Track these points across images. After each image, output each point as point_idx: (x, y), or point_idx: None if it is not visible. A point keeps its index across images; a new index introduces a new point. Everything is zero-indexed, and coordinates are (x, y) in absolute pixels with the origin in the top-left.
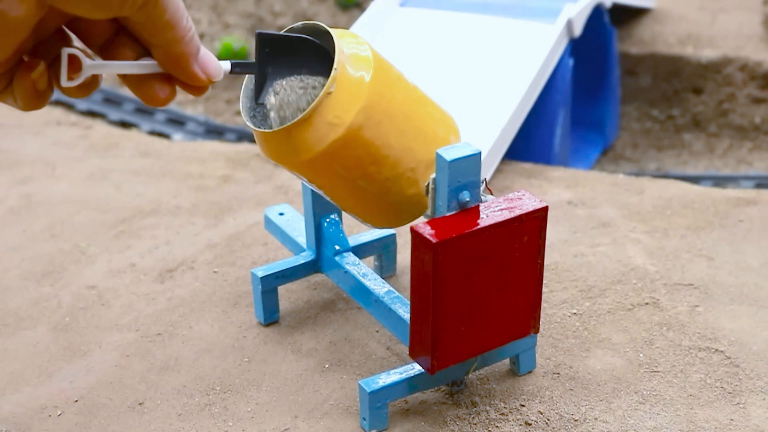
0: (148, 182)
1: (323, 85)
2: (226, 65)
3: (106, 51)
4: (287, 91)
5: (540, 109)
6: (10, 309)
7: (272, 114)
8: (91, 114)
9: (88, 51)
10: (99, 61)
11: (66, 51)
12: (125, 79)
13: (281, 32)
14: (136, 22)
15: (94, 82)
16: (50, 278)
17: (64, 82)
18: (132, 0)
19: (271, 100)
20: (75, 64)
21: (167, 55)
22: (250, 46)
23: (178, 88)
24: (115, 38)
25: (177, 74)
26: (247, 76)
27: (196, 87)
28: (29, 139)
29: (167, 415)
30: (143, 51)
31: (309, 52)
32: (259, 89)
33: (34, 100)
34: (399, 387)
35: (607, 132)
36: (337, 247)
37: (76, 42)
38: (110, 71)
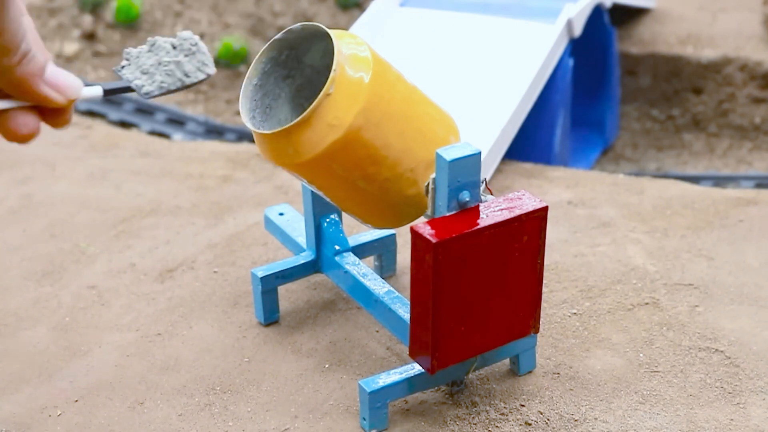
0: (148, 182)
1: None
2: (97, 90)
3: None
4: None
5: (540, 109)
6: (10, 309)
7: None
8: (91, 114)
9: None
10: None
11: None
12: None
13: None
14: None
15: None
16: (50, 278)
17: None
18: None
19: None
20: None
21: (7, 82)
22: (250, 46)
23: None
24: None
25: (28, 100)
26: (254, 75)
27: (57, 112)
28: None
29: (167, 415)
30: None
31: (310, 53)
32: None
33: None
34: (399, 387)
35: (607, 132)
36: (337, 247)
37: None
38: None
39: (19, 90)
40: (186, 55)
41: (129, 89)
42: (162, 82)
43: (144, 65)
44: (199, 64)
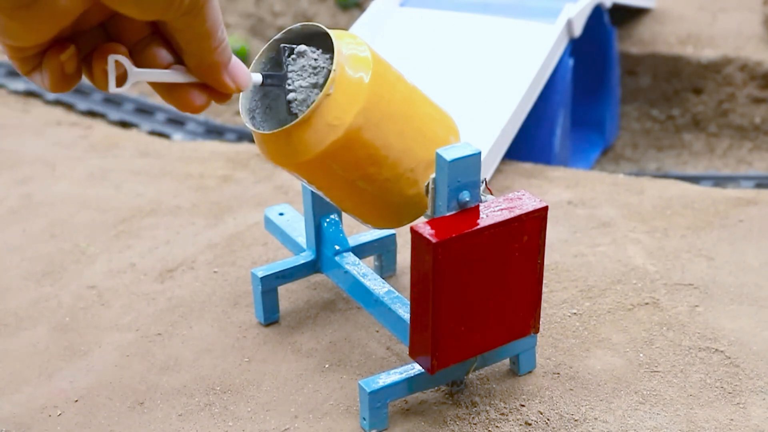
0: (148, 182)
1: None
2: (257, 77)
3: (137, 52)
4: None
5: (540, 109)
6: (10, 309)
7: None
8: (91, 114)
9: (124, 50)
10: (143, 69)
11: (113, 58)
12: (157, 85)
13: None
14: (174, 28)
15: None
16: (50, 278)
17: (113, 89)
18: (177, 5)
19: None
20: (120, 70)
21: (200, 64)
22: (250, 46)
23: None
24: (148, 40)
25: (207, 82)
26: (256, 70)
27: (222, 94)
28: (29, 139)
29: (167, 415)
30: (174, 56)
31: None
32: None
33: (61, 82)
34: (399, 387)
35: (607, 132)
36: (337, 247)
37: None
38: (153, 79)
39: (206, 73)
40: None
41: (282, 85)
42: (305, 99)
43: (302, 71)
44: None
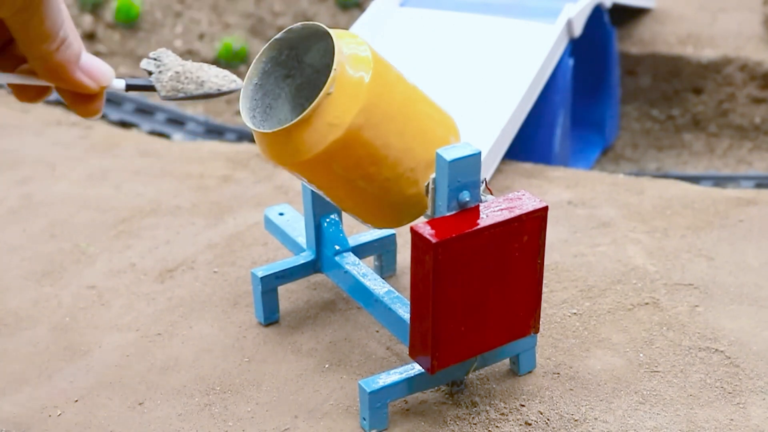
0: (148, 182)
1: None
2: (120, 83)
3: None
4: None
5: (540, 109)
6: (10, 309)
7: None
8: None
9: None
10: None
11: None
12: (14, 90)
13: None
14: (13, 30)
15: (41, 91)
16: (50, 278)
17: None
18: (10, 2)
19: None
20: None
21: (45, 67)
22: (250, 46)
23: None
24: (4, 50)
25: (60, 84)
26: (254, 75)
27: (85, 97)
28: (29, 139)
29: (167, 415)
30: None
31: (310, 53)
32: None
33: None
34: (399, 387)
35: (607, 132)
36: (337, 247)
37: None
38: (4, 81)
39: (56, 75)
40: (214, 74)
41: (151, 88)
42: (183, 87)
43: (171, 68)
44: (224, 75)
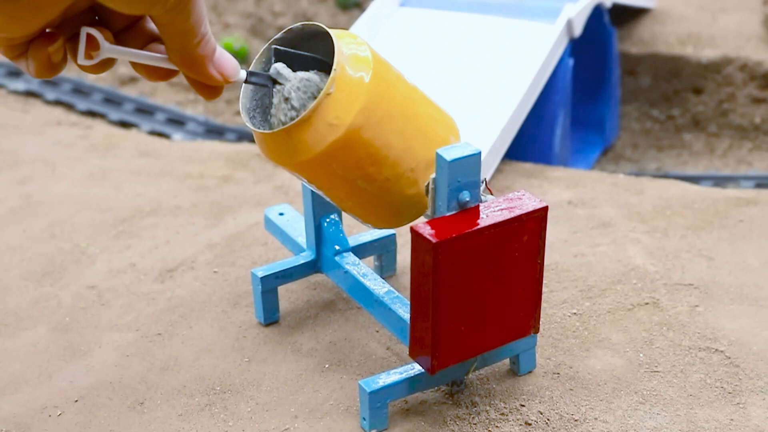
0: (148, 182)
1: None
2: (242, 73)
3: (122, 35)
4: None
5: (540, 109)
6: (10, 309)
7: (283, 117)
8: (91, 114)
9: (107, 33)
10: (116, 46)
11: (85, 30)
12: (136, 66)
13: (296, 51)
14: (159, 23)
15: (110, 62)
16: (50, 278)
17: (81, 60)
18: (163, 2)
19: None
20: (93, 44)
21: (184, 58)
22: (251, 46)
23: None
24: (135, 26)
25: (193, 75)
26: (257, 70)
27: (211, 87)
28: (29, 139)
29: (167, 415)
30: (158, 42)
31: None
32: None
33: (47, 70)
34: (399, 387)
35: (607, 132)
36: (337, 247)
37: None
38: (127, 58)
39: (192, 67)
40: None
41: (265, 86)
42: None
43: (290, 74)
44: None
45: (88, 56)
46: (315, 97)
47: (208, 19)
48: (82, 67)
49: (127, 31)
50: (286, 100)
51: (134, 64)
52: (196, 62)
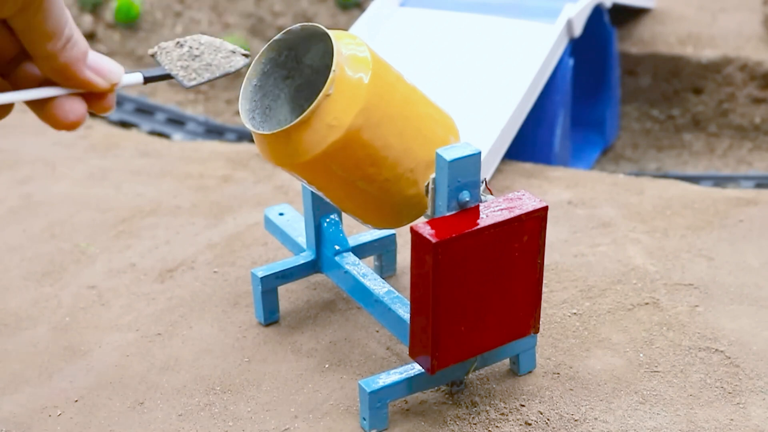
0: (148, 182)
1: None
2: (137, 77)
3: (11, 72)
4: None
5: (540, 109)
6: (10, 309)
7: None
8: (91, 114)
9: None
10: (3, 93)
11: None
12: (32, 106)
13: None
14: (17, 30)
15: (4, 109)
16: (50, 278)
17: None
18: (12, 2)
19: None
20: None
21: (52, 67)
22: (250, 46)
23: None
24: (20, 58)
25: (71, 85)
26: (253, 76)
27: (99, 97)
28: (29, 139)
29: (167, 415)
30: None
31: (310, 54)
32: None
33: None
34: (399, 387)
35: (607, 132)
36: (337, 248)
37: None
38: (16, 100)
39: (63, 76)
40: (215, 49)
41: (168, 77)
42: (199, 70)
43: (178, 57)
44: (228, 53)
45: None
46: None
47: (71, 24)
48: None
49: (15, 72)
50: (196, 57)
51: (40, 113)
52: (66, 68)
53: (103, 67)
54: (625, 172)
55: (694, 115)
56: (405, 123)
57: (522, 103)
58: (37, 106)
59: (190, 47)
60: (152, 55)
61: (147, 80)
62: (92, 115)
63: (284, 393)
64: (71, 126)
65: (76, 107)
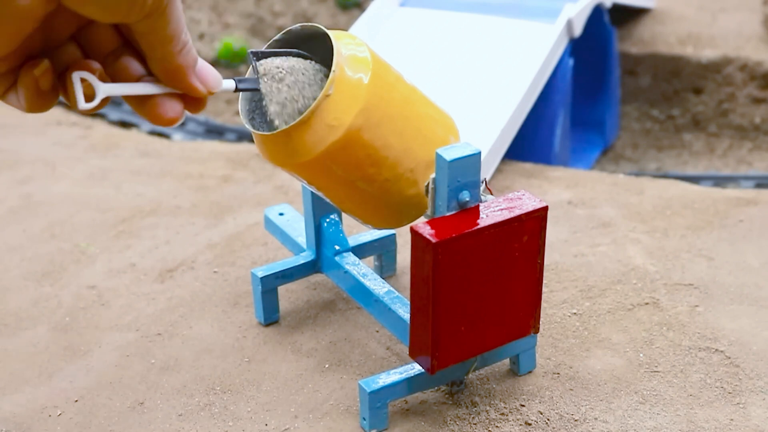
0: (148, 182)
1: (318, 79)
2: (230, 83)
3: (109, 64)
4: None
5: (540, 109)
6: (10, 309)
7: (276, 121)
8: (91, 114)
9: (99, 71)
10: (111, 84)
11: (77, 75)
12: (130, 100)
13: (271, 49)
14: (137, 32)
15: (107, 99)
16: (50, 278)
17: (81, 106)
18: (139, 7)
19: (271, 108)
20: (88, 86)
21: (165, 69)
22: (250, 46)
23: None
24: (120, 52)
25: (175, 87)
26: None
27: (195, 100)
28: (29, 139)
29: (167, 415)
30: (146, 67)
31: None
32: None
33: (37, 100)
34: (399, 387)
35: (607, 132)
36: (337, 248)
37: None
38: (122, 93)
39: (172, 78)
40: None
41: (257, 90)
42: (285, 102)
43: (271, 77)
44: (316, 90)
45: (89, 99)
46: (306, 80)
47: (187, 31)
48: (83, 111)
49: (112, 62)
50: (280, 80)
51: (137, 106)
52: (178, 72)
53: (207, 75)
54: (625, 172)
55: (694, 115)
56: (405, 123)
57: (522, 103)
58: (136, 101)
59: (286, 72)
60: (253, 54)
61: (238, 89)
62: (92, 115)
63: (284, 393)
64: (170, 122)
65: (175, 106)
